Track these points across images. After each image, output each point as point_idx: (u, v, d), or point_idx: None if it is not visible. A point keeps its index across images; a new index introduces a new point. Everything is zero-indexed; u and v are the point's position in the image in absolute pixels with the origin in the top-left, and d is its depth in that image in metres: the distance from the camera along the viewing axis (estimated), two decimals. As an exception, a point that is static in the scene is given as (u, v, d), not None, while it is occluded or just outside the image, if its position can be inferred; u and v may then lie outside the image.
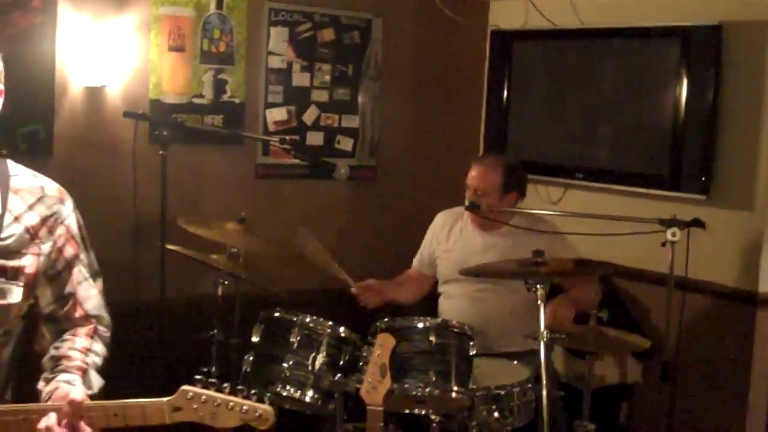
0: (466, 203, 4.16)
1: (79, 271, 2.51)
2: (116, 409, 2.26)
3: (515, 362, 3.97)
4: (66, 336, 2.49)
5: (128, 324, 3.09)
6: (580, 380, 4.11)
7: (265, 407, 2.27)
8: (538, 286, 3.58)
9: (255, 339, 3.75)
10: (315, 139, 5.35)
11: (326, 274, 4.23)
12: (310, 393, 3.62)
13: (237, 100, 5.06)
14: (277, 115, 5.22)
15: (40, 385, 2.38)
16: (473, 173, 4.24)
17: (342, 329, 3.73)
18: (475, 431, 3.61)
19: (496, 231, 4.27)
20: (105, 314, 2.58)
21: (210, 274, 4.22)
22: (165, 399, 2.26)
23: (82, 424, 2.22)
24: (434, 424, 3.62)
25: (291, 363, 3.64)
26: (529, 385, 3.72)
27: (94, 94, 4.62)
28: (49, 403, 2.29)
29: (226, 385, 2.26)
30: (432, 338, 3.54)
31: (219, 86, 4.99)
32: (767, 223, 4.53)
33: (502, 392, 3.64)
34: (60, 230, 2.45)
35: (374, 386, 3.16)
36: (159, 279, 3.87)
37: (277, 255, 4.53)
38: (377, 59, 5.53)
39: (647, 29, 4.94)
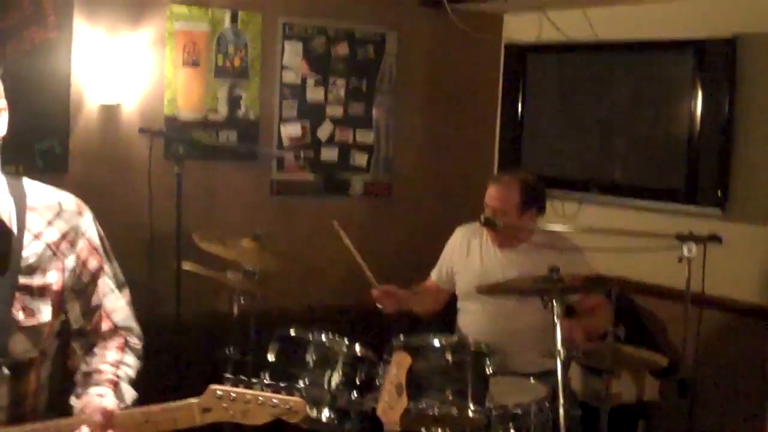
0: (482, 219, 4.15)
1: (105, 283, 2.49)
2: (146, 416, 2.25)
3: (532, 380, 3.95)
4: (96, 351, 2.47)
5: (143, 341, 3.08)
6: (597, 398, 4.08)
7: (296, 399, 2.25)
8: (554, 302, 3.57)
9: (270, 357, 3.73)
10: (329, 154, 5.34)
11: (346, 281, 4.21)
12: (326, 412, 3.60)
13: (251, 116, 5.06)
14: (291, 130, 5.21)
15: (73, 400, 2.36)
16: (491, 192, 4.22)
17: (358, 347, 3.72)
18: (493, 450, 3.59)
19: (515, 248, 4.25)
20: (134, 325, 2.56)
21: (225, 292, 4.21)
22: (194, 400, 2.24)
23: None
24: (451, 443, 3.60)
25: (307, 382, 3.63)
26: (547, 404, 3.70)
27: (109, 110, 4.63)
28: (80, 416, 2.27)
29: (255, 380, 2.25)
30: (448, 356, 3.52)
31: (233, 102, 5.00)
32: (784, 237, 4.51)
33: (519, 411, 3.61)
34: (81, 243, 2.43)
35: (391, 405, 3.13)
36: (174, 296, 3.87)
37: (293, 272, 4.52)
38: (391, 74, 5.52)
39: (662, 42, 4.93)
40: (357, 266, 4.19)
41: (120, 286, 2.55)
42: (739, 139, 4.65)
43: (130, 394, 2.44)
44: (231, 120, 5.00)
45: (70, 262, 2.41)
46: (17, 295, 2.30)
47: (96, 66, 4.54)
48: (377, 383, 3.57)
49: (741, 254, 4.58)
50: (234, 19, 4.96)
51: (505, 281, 3.99)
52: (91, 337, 2.49)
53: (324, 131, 5.32)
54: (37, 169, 4.33)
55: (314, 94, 5.27)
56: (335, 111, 5.35)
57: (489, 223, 4.09)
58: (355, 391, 3.62)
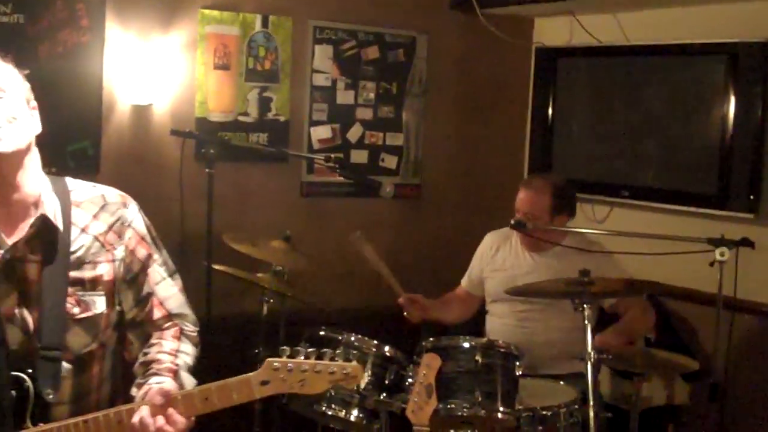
0: (512, 222, 4.14)
1: (156, 271, 2.51)
2: (205, 394, 2.25)
3: (561, 383, 3.93)
4: (153, 340, 2.48)
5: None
6: (626, 401, 4.07)
7: (353, 364, 2.25)
8: (585, 305, 3.56)
9: (300, 357, 3.74)
10: (359, 157, 5.36)
11: (376, 283, 4.21)
12: (354, 412, 3.60)
13: (282, 118, 5.08)
14: (321, 132, 5.23)
15: (133, 391, 2.38)
16: (521, 197, 4.22)
17: (387, 348, 3.71)
18: (521, 452, 3.58)
19: (547, 251, 4.24)
20: (189, 311, 2.57)
21: (255, 292, 4.23)
22: (251, 374, 2.24)
23: (174, 414, 2.22)
24: (480, 445, 3.60)
25: (336, 382, 3.63)
26: (576, 406, 3.68)
27: (141, 112, 4.66)
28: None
29: (312, 349, 2.24)
30: (478, 358, 3.52)
31: (264, 104, 5.02)
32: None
33: (549, 413, 3.59)
34: (128, 233, 2.46)
35: (420, 406, 3.14)
36: (205, 297, 3.88)
37: (322, 273, 4.53)
38: (422, 77, 5.53)
39: (694, 46, 4.90)
40: (383, 275, 4.18)
41: (171, 274, 2.57)
42: (771, 144, 4.62)
43: (189, 381, 2.44)
44: (261, 122, 5.02)
45: (120, 252, 2.44)
46: (70, 289, 2.33)
47: (128, 69, 4.58)
48: (406, 384, 3.57)
49: (773, 259, 4.55)
50: (265, 23, 4.98)
51: (535, 283, 3.98)
52: (146, 327, 2.50)
53: (354, 134, 5.34)
54: (69, 171, 4.29)
55: (344, 97, 5.29)
56: (365, 114, 5.36)
57: (518, 226, 4.09)
58: (384, 392, 3.61)
